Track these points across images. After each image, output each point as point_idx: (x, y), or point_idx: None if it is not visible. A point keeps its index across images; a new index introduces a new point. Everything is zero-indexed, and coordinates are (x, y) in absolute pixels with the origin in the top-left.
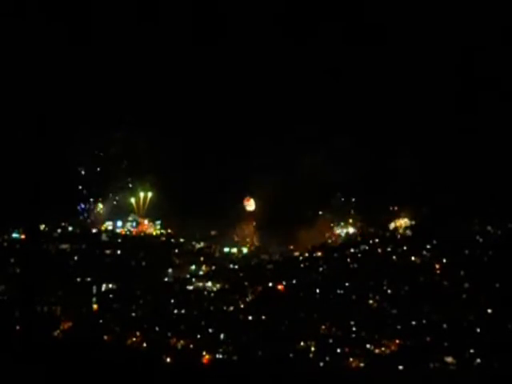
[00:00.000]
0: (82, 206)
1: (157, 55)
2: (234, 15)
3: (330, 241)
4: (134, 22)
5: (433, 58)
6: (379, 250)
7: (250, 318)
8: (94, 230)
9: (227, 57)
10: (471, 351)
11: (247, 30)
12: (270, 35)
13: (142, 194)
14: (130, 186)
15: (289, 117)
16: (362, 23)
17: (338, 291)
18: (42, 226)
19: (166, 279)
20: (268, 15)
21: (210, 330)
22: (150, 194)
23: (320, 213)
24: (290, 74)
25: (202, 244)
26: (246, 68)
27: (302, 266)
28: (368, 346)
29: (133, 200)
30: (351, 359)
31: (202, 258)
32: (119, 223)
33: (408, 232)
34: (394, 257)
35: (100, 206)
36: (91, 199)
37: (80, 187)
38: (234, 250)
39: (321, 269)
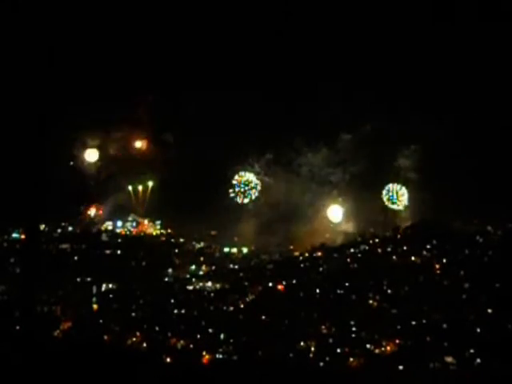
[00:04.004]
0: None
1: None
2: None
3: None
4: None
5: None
6: (379, 250)
7: (250, 318)
8: (94, 230)
9: (228, 50)
10: (471, 351)
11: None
12: (266, 32)
13: (140, 188)
14: (130, 186)
15: (289, 116)
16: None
17: (338, 291)
18: (42, 226)
19: (166, 279)
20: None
21: (210, 330)
22: (150, 185)
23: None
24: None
25: (201, 244)
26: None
27: (301, 265)
28: (368, 346)
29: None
30: (351, 359)
31: (201, 258)
32: (119, 223)
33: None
34: (394, 257)
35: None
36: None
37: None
38: (234, 250)
39: (321, 269)
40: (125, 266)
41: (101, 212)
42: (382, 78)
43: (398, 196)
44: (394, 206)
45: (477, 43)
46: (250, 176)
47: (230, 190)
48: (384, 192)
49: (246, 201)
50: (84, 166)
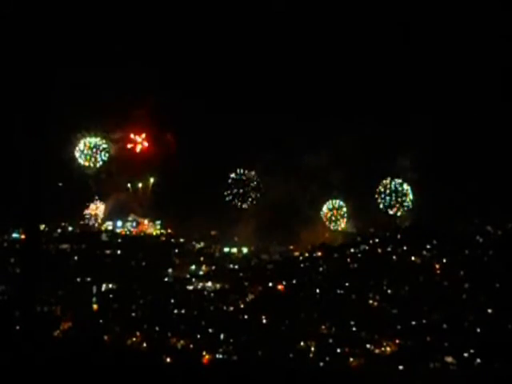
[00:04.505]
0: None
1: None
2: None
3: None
4: None
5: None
6: (379, 250)
7: (250, 318)
8: (94, 230)
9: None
10: (471, 351)
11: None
12: (266, 33)
13: (140, 188)
14: (130, 185)
15: (289, 116)
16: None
17: (338, 291)
18: (42, 226)
19: (166, 279)
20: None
21: (210, 330)
22: (150, 185)
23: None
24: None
25: (201, 244)
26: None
27: (301, 265)
28: (368, 345)
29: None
30: (351, 359)
31: (202, 258)
32: (119, 223)
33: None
34: (394, 257)
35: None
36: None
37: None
38: (234, 250)
39: (321, 269)
40: (125, 266)
41: (103, 212)
42: (382, 78)
43: (396, 198)
44: (394, 210)
45: (476, 44)
46: (250, 176)
47: (228, 192)
48: (379, 192)
49: (246, 206)
50: (84, 166)
